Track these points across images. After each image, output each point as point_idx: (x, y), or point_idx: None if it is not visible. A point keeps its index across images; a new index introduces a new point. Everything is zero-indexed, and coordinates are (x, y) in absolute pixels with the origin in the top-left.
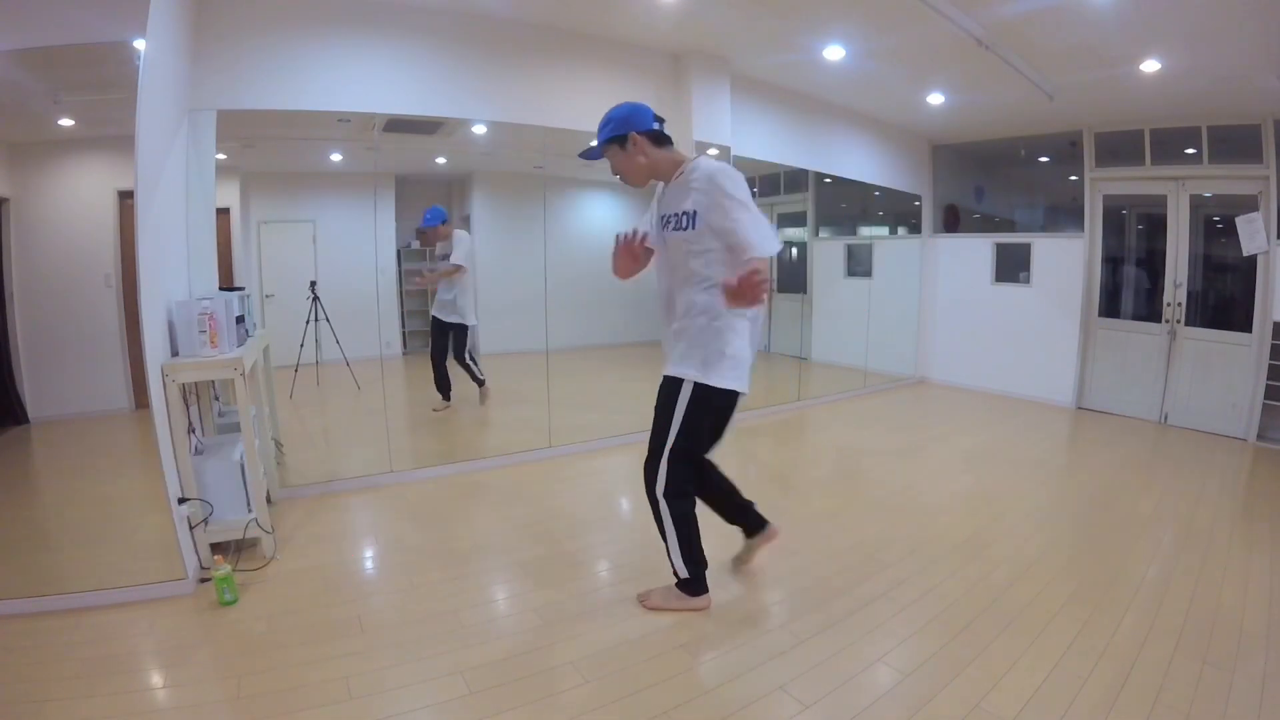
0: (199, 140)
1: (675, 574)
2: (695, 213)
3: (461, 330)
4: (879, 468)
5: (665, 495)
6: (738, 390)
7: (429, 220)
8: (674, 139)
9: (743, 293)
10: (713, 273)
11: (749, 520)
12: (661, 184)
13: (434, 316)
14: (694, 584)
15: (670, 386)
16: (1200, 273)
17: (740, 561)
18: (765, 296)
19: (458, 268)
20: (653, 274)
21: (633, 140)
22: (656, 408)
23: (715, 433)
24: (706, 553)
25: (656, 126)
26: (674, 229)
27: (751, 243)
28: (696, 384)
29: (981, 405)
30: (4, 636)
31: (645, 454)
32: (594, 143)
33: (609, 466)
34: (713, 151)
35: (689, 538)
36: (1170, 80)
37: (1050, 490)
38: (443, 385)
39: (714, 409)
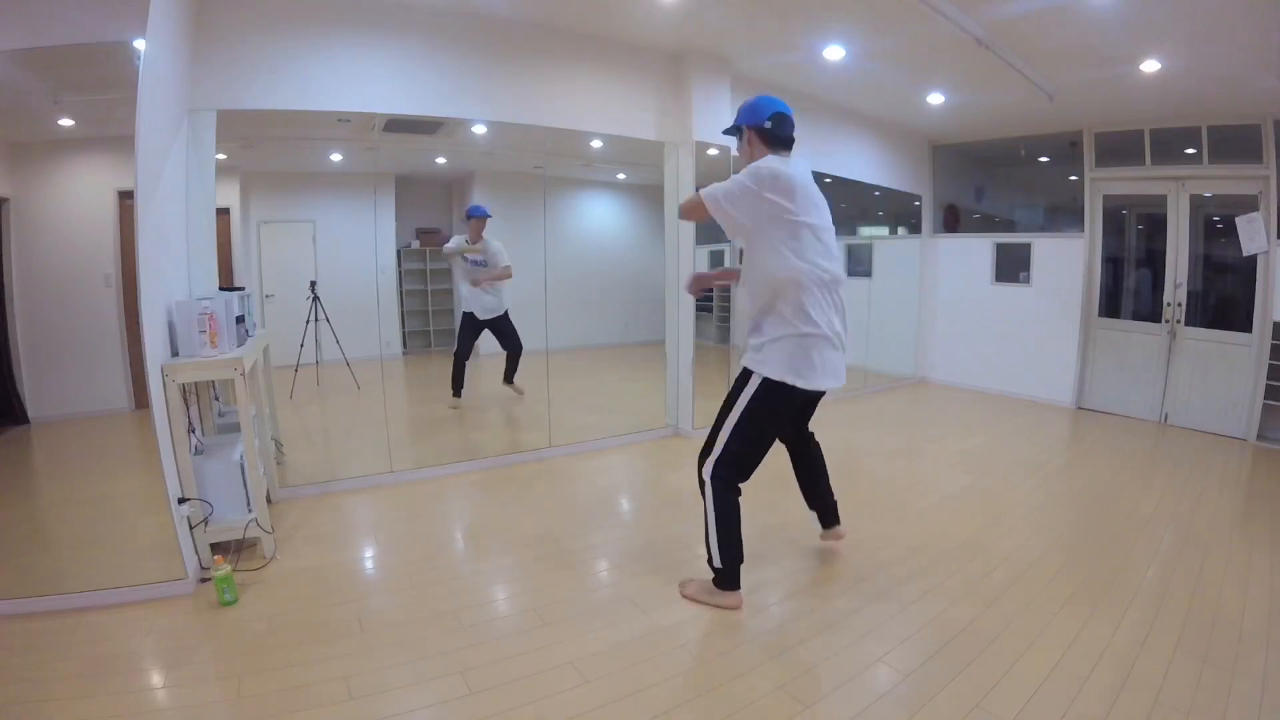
0: (199, 140)
1: (709, 566)
2: None
3: (508, 319)
4: (879, 468)
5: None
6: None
7: (483, 211)
8: (674, 139)
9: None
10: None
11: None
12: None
13: (470, 314)
14: (724, 577)
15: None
16: (1200, 273)
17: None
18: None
19: (509, 270)
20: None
21: (746, 134)
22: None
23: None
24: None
25: (768, 125)
26: None
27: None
28: None
29: (981, 405)
30: (4, 636)
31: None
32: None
33: (609, 466)
34: (712, 152)
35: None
36: (1170, 80)
37: (1050, 490)
38: (460, 383)
39: None
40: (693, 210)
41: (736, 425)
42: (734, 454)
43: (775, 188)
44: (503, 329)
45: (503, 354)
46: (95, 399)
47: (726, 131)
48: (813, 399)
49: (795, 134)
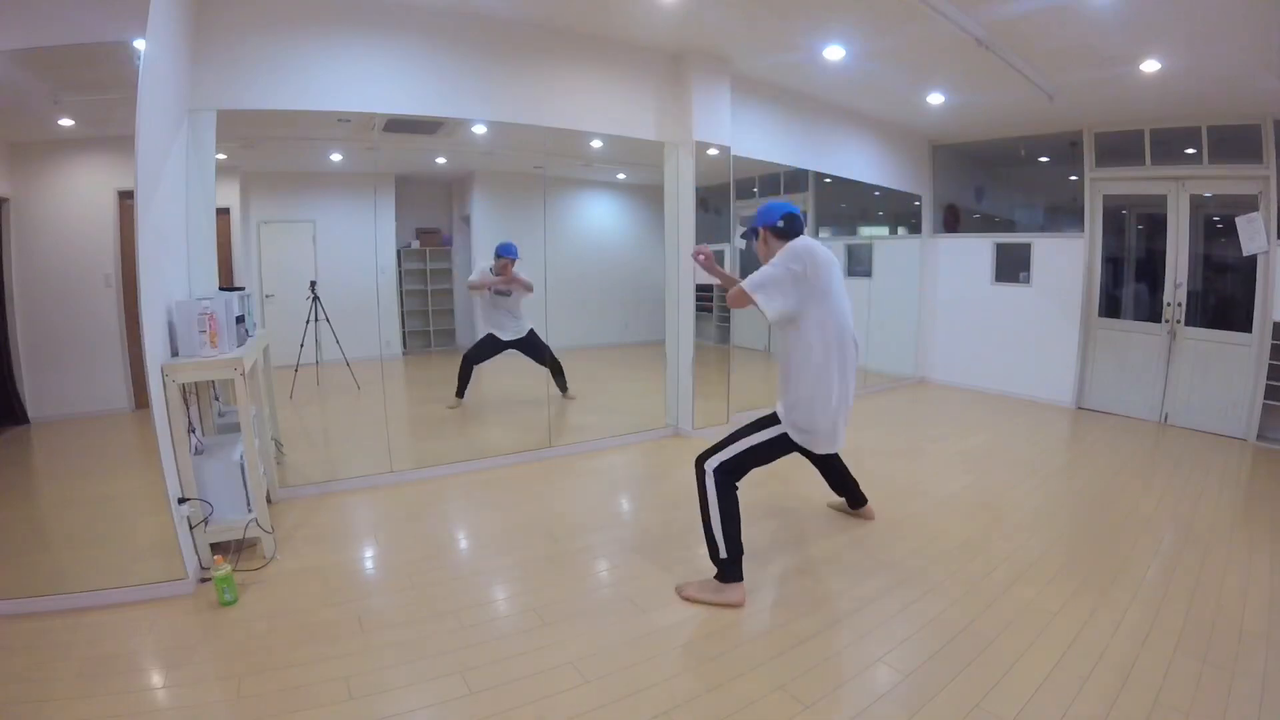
0: (199, 140)
1: (713, 561)
2: None
3: (534, 336)
4: (879, 468)
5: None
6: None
7: (514, 253)
8: (674, 139)
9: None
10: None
11: (852, 496)
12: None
13: (491, 334)
14: (731, 568)
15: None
16: (1200, 273)
17: (837, 507)
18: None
19: (530, 284)
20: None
21: (762, 234)
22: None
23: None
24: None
25: (780, 224)
26: None
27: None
28: None
29: (981, 405)
30: (4, 636)
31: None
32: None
33: (609, 466)
34: (712, 152)
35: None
36: (1170, 80)
37: (1050, 490)
38: (464, 385)
39: None
40: (735, 301)
41: (752, 448)
42: (739, 462)
43: (813, 260)
44: (532, 346)
45: (500, 354)
46: (95, 399)
47: (743, 236)
48: None
49: (802, 220)
